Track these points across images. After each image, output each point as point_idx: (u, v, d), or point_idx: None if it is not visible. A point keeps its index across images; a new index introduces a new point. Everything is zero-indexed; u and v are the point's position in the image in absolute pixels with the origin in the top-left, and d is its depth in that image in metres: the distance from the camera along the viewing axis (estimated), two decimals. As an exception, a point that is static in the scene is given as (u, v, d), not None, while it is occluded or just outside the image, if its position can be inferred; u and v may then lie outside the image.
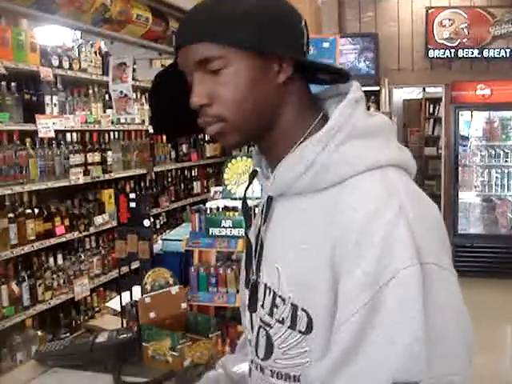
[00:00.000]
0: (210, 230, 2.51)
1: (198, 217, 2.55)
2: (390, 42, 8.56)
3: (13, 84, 4.51)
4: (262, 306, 1.14)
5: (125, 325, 2.42)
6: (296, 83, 1.13)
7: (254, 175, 1.25)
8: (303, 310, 1.05)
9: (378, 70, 8.32)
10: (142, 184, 6.24)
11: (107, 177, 5.55)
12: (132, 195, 2.54)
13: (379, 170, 1.06)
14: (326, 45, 3.08)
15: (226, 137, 1.12)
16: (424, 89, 11.19)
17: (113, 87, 3.23)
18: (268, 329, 1.13)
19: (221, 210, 2.57)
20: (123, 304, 2.48)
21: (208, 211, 2.57)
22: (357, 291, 0.96)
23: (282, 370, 1.11)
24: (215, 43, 1.06)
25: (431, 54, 8.47)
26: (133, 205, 2.51)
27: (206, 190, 7.46)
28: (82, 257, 5.24)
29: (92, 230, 5.31)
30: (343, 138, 1.07)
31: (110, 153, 5.59)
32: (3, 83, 4.42)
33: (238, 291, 2.43)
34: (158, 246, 2.72)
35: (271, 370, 1.13)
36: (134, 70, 3.77)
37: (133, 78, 3.73)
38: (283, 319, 1.08)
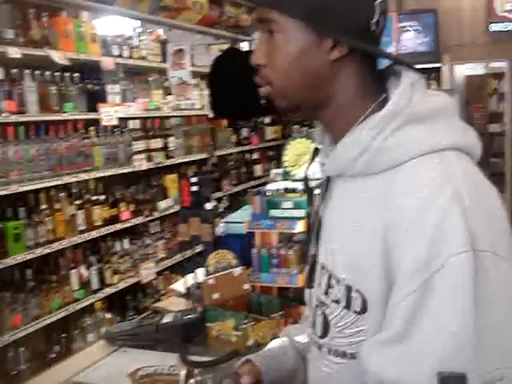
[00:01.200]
0: (271, 211, 2.54)
1: (258, 199, 2.58)
2: (450, 18, 8.37)
3: (76, 75, 4.63)
4: (319, 285, 1.16)
5: (190, 306, 2.47)
6: (355, 61, 1.12)
7: (316, 153, 1.26)
8: (357, 291, 1.06)
9: (438, 46, 8.17)
10: (204, 168, 6.31)
11: (169, 162, 5.65)
12: (194, 179, 2.59)
13: (437, 153, 1.03)
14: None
15: (275, 100, 1.15)
16: (487, 64, 10.92)
17: (171, 74, 3.27)
18: (324, 308, 1.14)
19: (281, 191, 2.60)
20: (188, 286, 2.54)
21: (268, 193, 2.60)
22: (408, 277, 0.96)
23: (338, 348, 1.12)
24: (275, 9, 1.09)
25: (493, 28, 8.24)
26: (195, 188, 2.57)
27: (267, 173, 7.49)
28: (147, 241, 5.36)
29: (156, 214, 5.43)
30: (400, 123, 1.06)
31: (171, 138, 5.69)
32: (67, 74, 4.54)
33: (299, 272, 2.46)
34: (220, 229, 2.76)
35: (328, 348, 1.15)
36: (191, 56, 3.81)
37: (191, 64, 3.77)
38: (338, 299, 1.10)
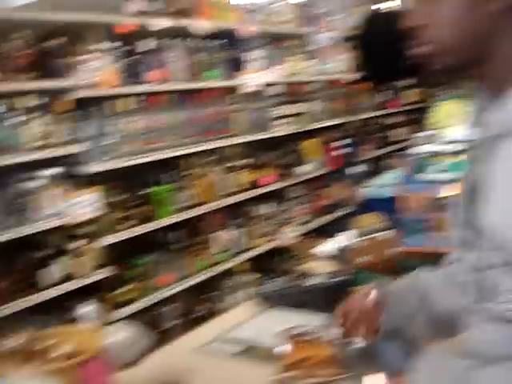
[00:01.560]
0: (419, 175, 2.49)
1: (406, 162, 2.54)
2: None
3: (217, 42, 4.72)
4: (479, 248, 1.10)
5: (336, 269, 2.49)
6: None
7: (477, 114, 1.20)
8: None
9: None
10: (345, 133, 6.25)
11: (310, 127, 5.66)
12: (340, 143, 2.59)
13: None
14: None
15: (435, 62, 1.12)
16: None
17: (315, 38, 3.25)
18: (485, 272, 1.09)
19: (429, 154, 2.54)
20: (335, 248, 2.55)
21: (416, 156, 2.55)
22: None
23: (496, 314, 1.08)
24: None
25: None
26: (341, 152, 2.56)
27: (406, 137, 7.34)
28: (288, 205, 5.42)
29: (297, 179, 5.47)
30: None
31: (312, 103, 5.68)
32: (208, 42, 4.63)
33: (447, 236, 2.40)
34: (366, 192, 2.75)
35: (488, 314, 1.10)
36: (333, 19, 3.78)
37: (333, 28, 3.73)
38: (499, 264, 1.05)
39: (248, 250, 4.93)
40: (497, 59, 1.09)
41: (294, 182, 5.47)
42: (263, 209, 5.14)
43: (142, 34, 4.07)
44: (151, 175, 4.23)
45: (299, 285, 2.31)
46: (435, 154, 2.53)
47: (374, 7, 3.33)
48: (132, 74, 4.01)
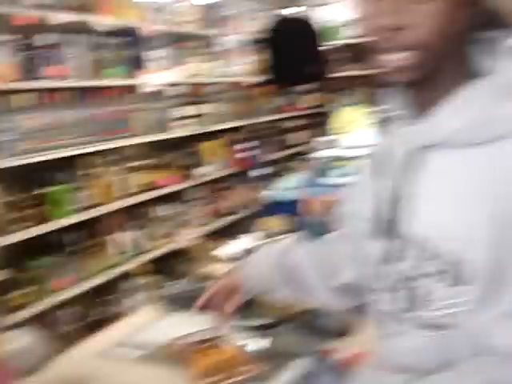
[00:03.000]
0: (321, 179, 2.54)
1: (308, 166, 2.59)
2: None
3: (116, 40, 4.63)
4: (405, 258, 1.11)
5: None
6: (471, 31, 1.07)
7: (385, 121, 1.21)
8: (456, 263, 1.03)
9: None
10: (243, 136, 6.30)
11: (212, 128, 5.65)
12: (241, 146, 2.59)
13: None
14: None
15: (407, 71, 1.04)
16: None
17: (219, 39, 3.25)
18: (412, 282, 1.10)
19: (329, 159, 2.60)
20: (236, 251, 2.56)
21: (317, 161, 2.60)
22: None
23: (426, 321, 1.10)
24: None
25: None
26: (243, 155, 2.57)
27: (307, 141, 7.46)
28: (187, 207, 5.39)
29: (198, 180, 5.45)
30: None
31: (211, 105, 5.68)
32: (107, 39, 4.53)
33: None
34: (269, 195, 2.77)
35: (414, 322, 1.12)
36: (239, 22, 3.78)
37: (239, 31, 3.73)
38: (431, 273, 1.07)
39: (147, 251, 4.86)
40: (441, 71, 1.08)
41: (194, 184, 5.44)
42: (163, 210, 5.09)
43: (42, 27, 3.93)
44: (48, 174, 4.09)
45: (202, 288, 2.30)
46: (336, 159, 2.59)
47: (281, 12, 3.35)
48: (30, 68, 3.86)
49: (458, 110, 1.04)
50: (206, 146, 5.67)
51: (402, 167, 1.13)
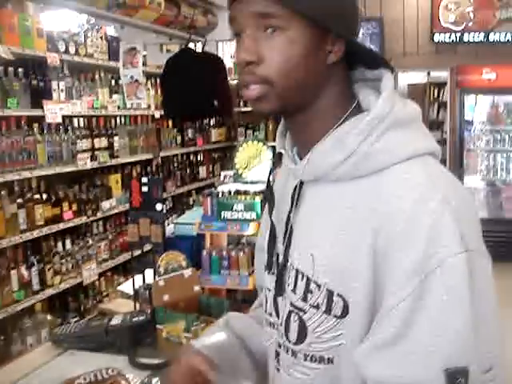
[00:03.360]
0: (222, 213, 2.53)
1: (209, 200, 2.57)
2: (394, 26, 8.52)
3: (20, 70, 4.51)
4: (294, 291, 1.14)
5: (138, 308, 2.44)
6: (341, 66, 1.13)
7: (279, 157, 1.25)
8: (339, 295, 1.06)
9: (383, 53, 8.30)
10: (149, 169, 6.26)
11: (114, 162, 5.58)
12: (144, 179, 2.56)
13: (420, 158, 1.07)
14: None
15: (265, 102, 1.09)
16: (429, 73, 11.14)
17: (123, 72, 3.21)
18: (301, 314, 1.12)
19: (232, 193, 2.59)
20: (135, 287, 2.50)
21: (220, 195, 2.59)
22: (404, 278, 0.97)
23: (316, 353, 1.11)
24: (279, 4, 1.03)
25: (437, 38, 8.42)
26: (145, 189, 2.53)
27: (211, 175, 7.49)
28: (90, 242, 5.27)
29: (99, 214, 5.34)
30: (385, 127, 1.07)
31: (116, 138, 5.62)
32: (10, 69, 4.42)
33: (249, 274, 2.45)
34: (169, 230, 2.74)
35: (304, 354, 1.13)
36: (144, 55, 3.76)
37: (143, 64, 3.71)
38: (318, 304, 1.09)
39: (48, 287, 4.69)
40: (315, 107, 1.13)
41: (96, 218, 5.33)
42: (64, 245, 4.93)
43: None
44: None
45: (100, 325, 2.23)
46: (239, 193, 2.58)
47: (182, 47, 3.37)
48: None
49: (338, 146, 1.08)
50: (110, 180, 5.58)
51: (288, 202, 1.18)
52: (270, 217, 1.23)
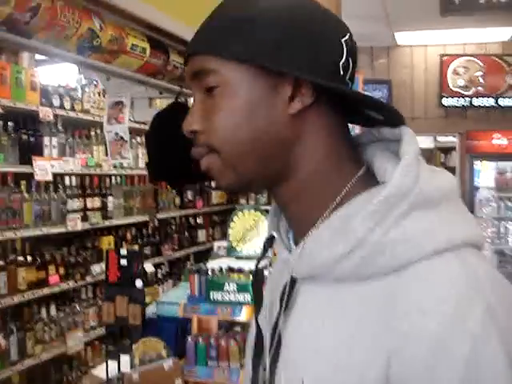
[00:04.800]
0: (212, 293, 2.20)
1: (197, 278, 2.25)
2: (403, 90, 8.36)
3: (10, 123, 4.31)
4: None
5: (110, 401, 2.11)
6: (322, 116, 0.86)
7: (270, 243, 0.97)
8: None
9: (390, 117, 8.09)
10: (144, 231, 5.97)
11: (107, 223, 5.30)
12: (123, 251, 2.24)
13: (454, 252, 0.78)
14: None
15: (219, 175, 0.88)
16: (435, 138, 10.96)
17: (108, 128, 2.96)
18: None
19: (224, 271, 2.26)
20: (109, 376, 2.17)
21: (209, 272, 2.27)
22: None
23: None
24: (210, 54, 0.84)
25: (445, 102, 8.25)
26: (124, 262, 2.22)
27: (211, 239, 7.19)
28: (77, 308, 4.94)
29: (89, 279, 5.04)
30: (406, 208, 0.79)
31: (110, 198, 5.35)
32: (3, 123, 4.19)
33: (241, 366, 2.11)
34: (151, 309, 2.40)
35: None
36: (131, 110, 3.51)
37: (130, 119, 3.45)
38: None
39: (27, 357, 4.34)
40: (296, 177, 0.86)
41: (85, 283, 5.01)
42: (48, 311, 4.61)
43: None
44: None
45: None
46: (232, 270, 2.26)
47: (177, 100, 3.12)
48: None
49: (337, 235, 0.81)
50: (102, 242, 5.27)
51: (280, 300, 0.91)
52: (256, 319, 0.96)
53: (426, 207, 0.79)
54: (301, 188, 0.86)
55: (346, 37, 0.86)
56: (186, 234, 6.83)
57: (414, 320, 0.73)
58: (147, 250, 5.88)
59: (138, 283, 2.20)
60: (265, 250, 0.98)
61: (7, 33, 1.65)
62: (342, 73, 0.85)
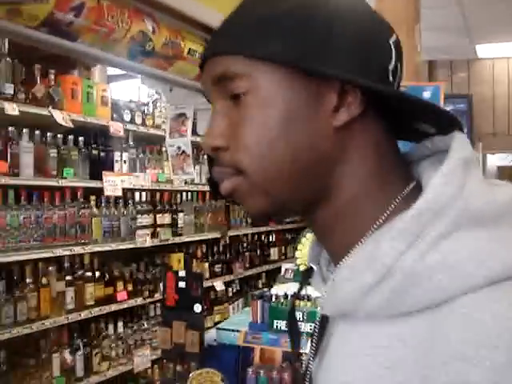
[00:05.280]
0: (275, 322, 2.04)
1: (260, 305, 2.09)
2: (483, 104, 8.02)
3: (80, 139, 4.29)
4: None
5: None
6: (370, 132, 0.72)
7: (308, 275, 0.84)
8: None
9: (471, 133, 7.77)
10: (215, 248, 5.86)
11: (177, 240, 5.20)
12: (181, 273, 2.10)
13: (510, 283, 0.60)
14: (426, 94, 2.61)
15: (247, 199, 0.73)
16: (519, 155, 10.51)
17: (169, 142, 2.83)
18: None
19: (289, 297, 2.10)
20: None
21: (273, 298, 2.10)
22: None
23: None
24: (238, 55, 0.69)
25: (530, 118, 7.88)
26: (182, 285, 2.08)
27: (284, 257, 7.03)
28: (145, 325, 4.86)
29: (157, 296, 4.94)
30: (447, 226, 0.63)
31: (181, 214, 5.26)
32: (70, 137, 4.19)
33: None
34: (211, 335, 2.25)
35: None
36: (194, 122, 3.38)
37: (193, 132, 3.30)
38: None
39: (93, 374, 4.28)
40: (336, 200, 0.72)
41: (153, 300, 4.93)
42: (116, 328, 4.55)
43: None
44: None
45: None
46: (297, 298, 2.10)
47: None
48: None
49: (367, 261, 0.66)
50: (175, 258, 5.19)
51: (311, 341, 0.81)
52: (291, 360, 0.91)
53: (474, 225, 0.63)
54: (341, 212, 0.72)
55: (394, 38, 0.72)
56: (258, 251, 6.69)
57: (456, 369, 0.58)
58: (218, 268, 5.78)
59: (197, 308, 2.06)
60: (303, 281, 0.86)
61: (60, 39, 1.55)
62: (391, 79, 0.72)
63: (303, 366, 0.83)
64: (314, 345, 0.79)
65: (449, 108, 7.75)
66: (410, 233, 0.64)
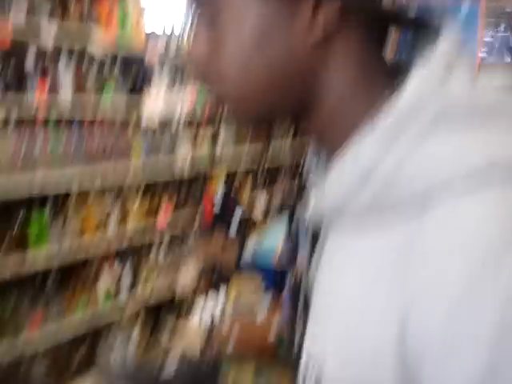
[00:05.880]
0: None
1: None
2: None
3: (118, 68, 4.29)
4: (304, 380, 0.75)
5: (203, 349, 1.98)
6: (351, 42, 0.68)
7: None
8: None
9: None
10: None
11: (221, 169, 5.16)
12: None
13: (497, 186, 0.57)
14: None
15: (233, 104, 0.71)
16: None
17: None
18: None
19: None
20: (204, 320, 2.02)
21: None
22: None
23: None
24: None
25: None
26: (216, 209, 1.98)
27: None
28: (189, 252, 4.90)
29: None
30: (427, 123, 0.60)
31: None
32: (111, 68, 4.21)
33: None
34: (248, 253, 2.15)
35: None
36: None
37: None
38: None
39: (140, 300, 4.41)
40: (324, 106, 0.70)
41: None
42: (160, 253, 4.64)
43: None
44: (29, 209, 3.64)
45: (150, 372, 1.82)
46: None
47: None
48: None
49: (346, 167, 0.65)
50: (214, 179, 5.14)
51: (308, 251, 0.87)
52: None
53: (454, 124, 0.59)
54: (328, 117, 0.70)
55: None
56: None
57: (438, 262, 0.56)
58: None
59: (238, 213, 2.00)
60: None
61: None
62: None
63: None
64: (312, 251, 0.79)
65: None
66: (387, 135, 0.61)
